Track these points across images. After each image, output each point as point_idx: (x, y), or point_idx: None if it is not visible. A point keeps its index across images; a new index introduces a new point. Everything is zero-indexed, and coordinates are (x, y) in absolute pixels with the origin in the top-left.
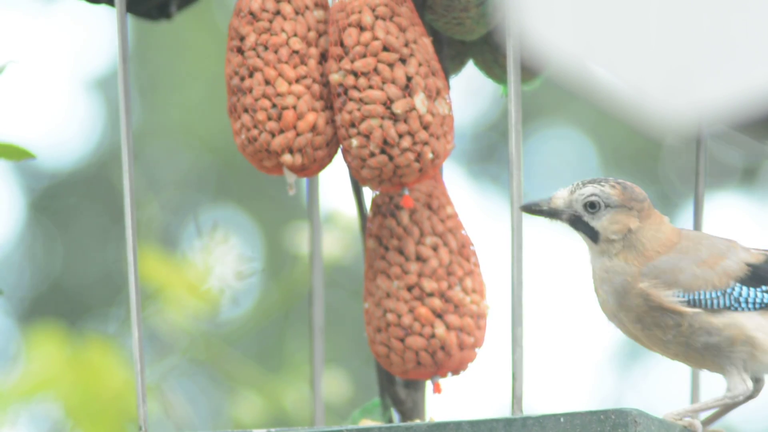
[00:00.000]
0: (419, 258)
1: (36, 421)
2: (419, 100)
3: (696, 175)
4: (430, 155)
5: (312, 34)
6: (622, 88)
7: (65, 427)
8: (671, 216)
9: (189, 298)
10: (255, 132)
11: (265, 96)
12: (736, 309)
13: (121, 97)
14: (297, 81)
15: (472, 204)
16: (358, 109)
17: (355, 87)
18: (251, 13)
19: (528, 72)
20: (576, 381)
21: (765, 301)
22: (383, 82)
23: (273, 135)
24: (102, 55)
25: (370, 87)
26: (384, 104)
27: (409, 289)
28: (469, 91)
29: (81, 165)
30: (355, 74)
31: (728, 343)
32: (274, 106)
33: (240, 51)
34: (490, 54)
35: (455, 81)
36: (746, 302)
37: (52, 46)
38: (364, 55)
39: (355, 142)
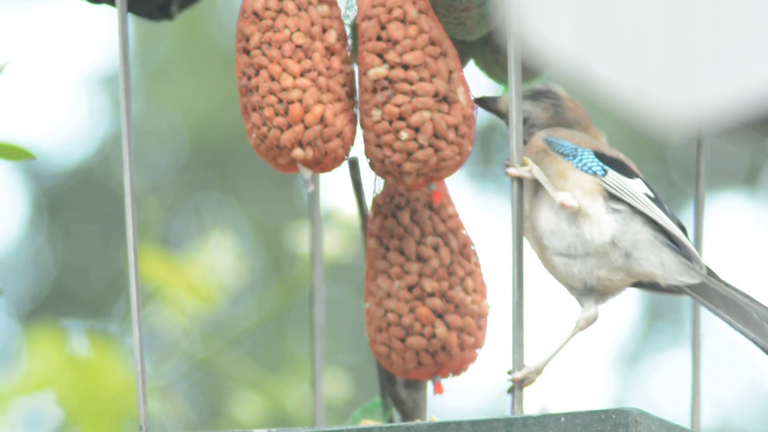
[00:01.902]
0: (420, 258)
1: (36, 421)
2: (461, 93)
3: (696, 176)
4: (469, 147)
5: (316, 29)
6: (623, 88)
7: (66, 426)
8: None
9: (189, 298)
10: (264, 129)
11: (271, 92)
12: (571, 159)
13: (122, 96)
14: (302, 75)
15: (473, 204)
16: (409, 102)
17: (405, 80)
18: (255, 13)
19: (529, 72)
20: (577, 381)
21: (593, 168)
22: (432, 76)
23: (281, 130)
24: (105, 55)
25: (422, 80)
26: (434, 96)
27: (410, 289)
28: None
29: (83, 165)
30: (405, 67)
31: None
32: (280, 101)
33: (246, 51)
34: (490, 54)
35: None
36: (582, 159)
37: (53, 46)
38: (414, 48)
39: (404, 134)
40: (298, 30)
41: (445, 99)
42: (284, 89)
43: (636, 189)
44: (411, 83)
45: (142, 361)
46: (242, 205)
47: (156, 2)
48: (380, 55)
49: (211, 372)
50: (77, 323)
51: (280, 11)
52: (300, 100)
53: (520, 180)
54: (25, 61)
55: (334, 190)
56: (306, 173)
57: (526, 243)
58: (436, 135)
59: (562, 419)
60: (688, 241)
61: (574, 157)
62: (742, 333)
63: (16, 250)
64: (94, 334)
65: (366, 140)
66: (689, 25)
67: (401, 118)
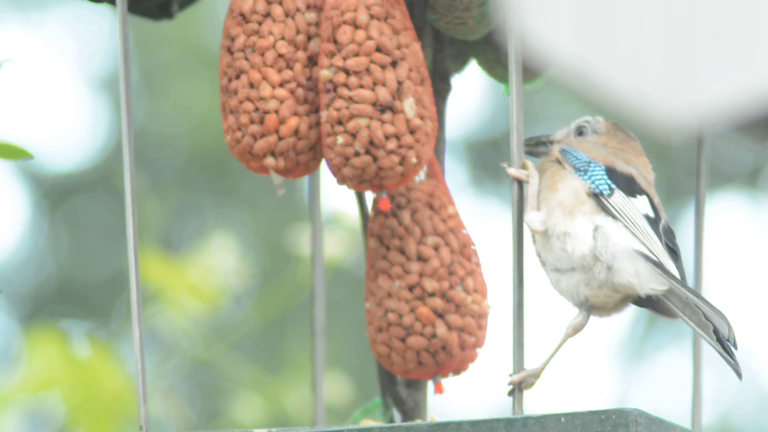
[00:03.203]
0: (420, 258)
1: (37, 422)
2: (408, 104)
3: (697, 176)
4: (413, 159)
5: (300, 38)
6: (623, 88)
7: (66, 427)
8: (672, 216)
9: (190, 300)
10: (239, 134)
11: (248, 99)
12: (582, 174)
13: (122, 96)
14: (281, 85)
15: (474, 203)
16: (347, 107)
17: (345, 85)
18: (242, 14)
19: (530, 72)
20: (578, 381)
21: (600, 186)
22: (374, 83)
23: (255, 138)
24: (106, 56)
25: (361, 86)
26: (373, 104)
27: (411, 288)
28: (471, 91)
29: (85, 165)
30: (347, 72)
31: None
32: (256, 109)
33: (229, 51)
34: (491, 53)
35: (457, 80)
36: (592, 176)
37: (55, 46)
38: (357, 54)
39: (340, 139)
40: (283, 38)
41: (388, 108)
42: (262, 98)
43: (635, 211)
44: (350, 89)
45: (143, 361)
46: (244, 207)
47: (156, 1)
48: (328, 58)
49: (211, 373)
50: (78, 324)
51: (267, 15)
52: (276, 111)
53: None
54: (25, 62)
55: (335, 191)
56: (277, 179)
57: (525, 243)
58: (372, 143)
59: (562, 419)
60: (666, 257)
61: (585, 172)
62: (700, 335)
63: (16, 251)
64: (94, 335)
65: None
66: (689, 25)
67: (339, 122)
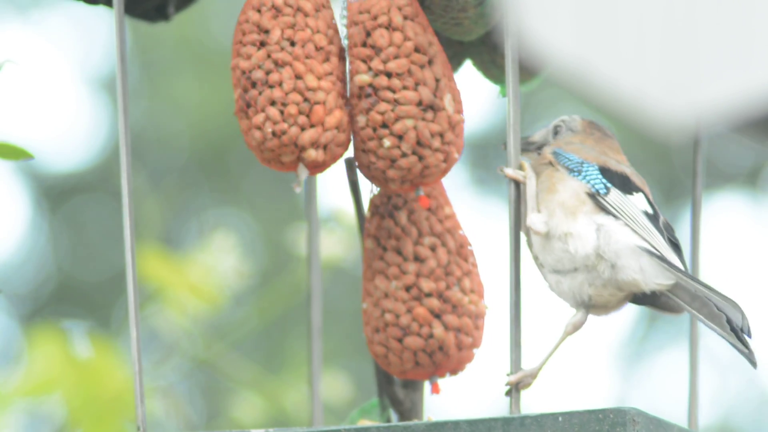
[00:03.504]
0: (417, 258)
1: (37, 422)
2: (447, 101)
3: (693, 176)
4: (456, 155)
5: (331, 32)
6: (622, 88)
7: (67, 427)
8: (671, 216)
9: (190, 299)
10: (284, 125)
11: (296, 90)
12: (576, 175)
13: (119, 97)
14: (325, 77)
15: (470, 204)
16: (392, 110)
17: (388, 88)
18: (275, 8)
19: (526, 72)
20: (575, 381)
21: (596, 186)
22: (416, 84)
23: (303, 129)
24: (108, 55)
25: (405, 88)
26: (418, 105)
27: (407, 289)
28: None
29: (85, 165)
30: (389, 75)
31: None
32: (306, 100)
33: (263, 44)
34: (488, 54)
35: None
36: (586, 176)
37: (54, 46)
38: (398, 56)
39: (387, 142)
40: (319, 31)
41: (430, 107)
42: (310, 89)
43: (634, 208)
44: (394, 91)
45: (140, 361)
46: (243, 206)
47: (153, 3)
48: (365, 62)
49: (211, 373)
50: (78, 324)
51: (299, 9)
52: (324, 102)
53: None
54: (25, 63)
55: (332, 191)
56: (303, 174)
57: (523, 243)
58: (419, 143)
59: (560, 419)
60: (670, 251)
61: (579, 173)
62: (711, 328)
63: (17, 251)
64: (94, 334)
65: (354, 144)
66: (689, 24)
67: (384, 125)
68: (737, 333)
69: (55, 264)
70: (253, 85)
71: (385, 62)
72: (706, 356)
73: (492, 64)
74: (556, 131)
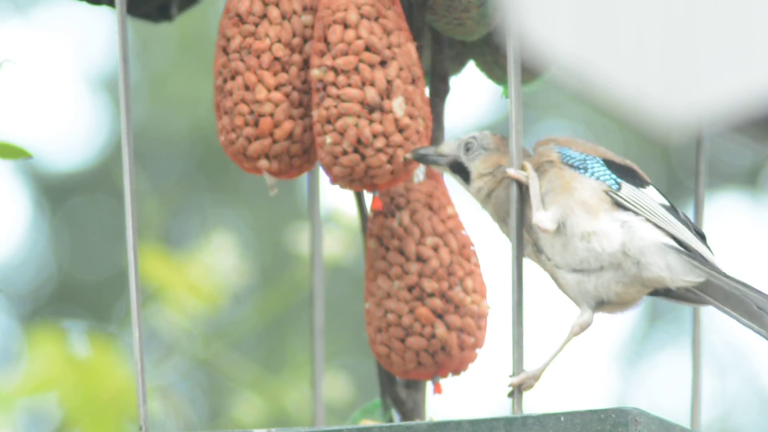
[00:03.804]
0: (420, 258)
1: (37, 422)
2: (397, 104)
3: (696, 175)
4: (403, 159)
5: (297, 41)
6: (622, 89)
7: (66, 427)
8: None
9: (190, 298)
10: (233, 135)
11: (243, 101)
12: (583, 172)
13: (121, 97)
14: (276, 88)
15: (472, 204)
16: (335, 106)
17: (334, 84)
18: (238, 15)
19: (529, 73)
20: (577, 380)
21: (607, 181)
22: (363, 82)
23: (250, 141)
24: (107, 57)
25: (349, 85)
26: (361, 103)
27: (410, 289)
28: (470, 92)
29: (86, 165)
30: (336, 71)
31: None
32: (251, 112)
33: (225, 52)
34: (490, 55)
35: (456, 82)
36: (594, 172)
37: (55, 48)
38: (346, 53)
39: (329, 138)
40: (279, 41)
41: (377, 108)
42: (257, 101)
43: (650, 202)
44: (338, 87)
45: (142, 361)
46: (243, 206)
47: (155, 3)
48: (319, 57)
49: (211, 372)
50: (78, 324)
51: (264, 17)
52: (271, 114)
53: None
54: (26, 63)
55: (335, 191)
56: (270, 179)
57: (524, 242)
58: (359, 141)
59: (562, 418)
60: (700, 244)
61: (585, 169)
62: (748, 327)
63: (17, 251)
64: (94, 334)
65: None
66: (689, 24)
67: (328, 121)
68: None
69: (55, 264)
70: (218, 91)
71: (333, 58)
72: (706, 356)
73: (495, 65)
74: (467, 148)
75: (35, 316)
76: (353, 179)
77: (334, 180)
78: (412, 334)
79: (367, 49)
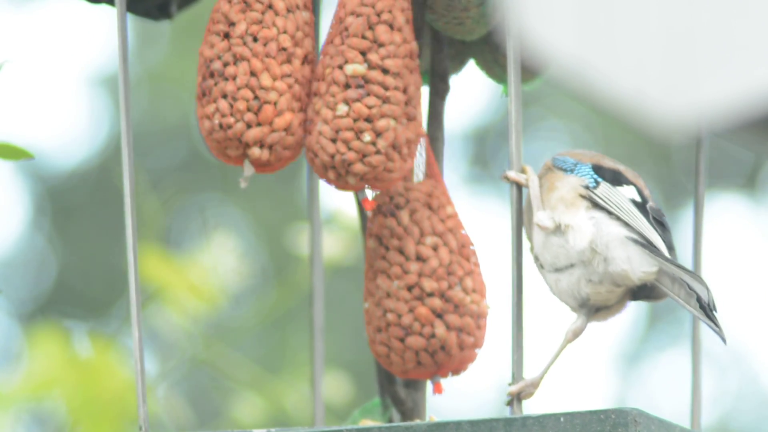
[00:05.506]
0: (419, 258)
1: (38, 422)
2: (419, 112)
3: (696, 176)
4: (407, 166)
5: (299, 34)
6: (623, 88)
7: (67, 427)
8: (671, 217)
9: (190, 299)
10: (231, 119)
11: (248, 86)
12: (569, 173)
13: (121, 96)
14: (281, 78)
15: (472, 204)
16: (380, 106)
17: (381, 84)
18: (245, 2)
19: (528, 72)
20: (578, 381)
21: (587, 180)
22: (405, 87)
23: (249, 126)
24: (106, 55)
25: (396, 88)
26: (404, 108)
27: (409, 288)
28: (470, 91)
29: (85, 165)
30: (385, 71)
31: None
32: (256, 98)
33: (227, 36)
34: (490, 54)
35: (455, 81)
36: (579, 173)
37: (53, 46)
38: (396, 55)
39: (368, 137)
40: (285, 32)
41: (410, 113)
42: (262, 87)
43: (620, 197)
44: (387, 88)
45: (142, 361)
46: (244, 206)
47: (155, 2)
48: (363, 54)
49: (211, 373)
50: (79, 324)
51: (270, 7)
52: (275, 103)
53: None
54: (25, 62)
55: (334, 191)
56: (248, 171)
57: (524, 243)
58: (394, 145)
59: (561, 419)
60: (654, 234)
61: (572, 171)
62: (689, 310)
63: (17, 251)
64: (95, 334)
65: (319, 132)
66: (689, 24)
67: (368, 120)
68: (706, 310)
69: (54, 264)
70: (211, 75)
71: (383, 58)
72: (706, 357)
73: (495, 64)
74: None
75: (35, 316)
76: (366, 179)
77: (344, 176)
78: (411, 333)
79: (410, 55)
